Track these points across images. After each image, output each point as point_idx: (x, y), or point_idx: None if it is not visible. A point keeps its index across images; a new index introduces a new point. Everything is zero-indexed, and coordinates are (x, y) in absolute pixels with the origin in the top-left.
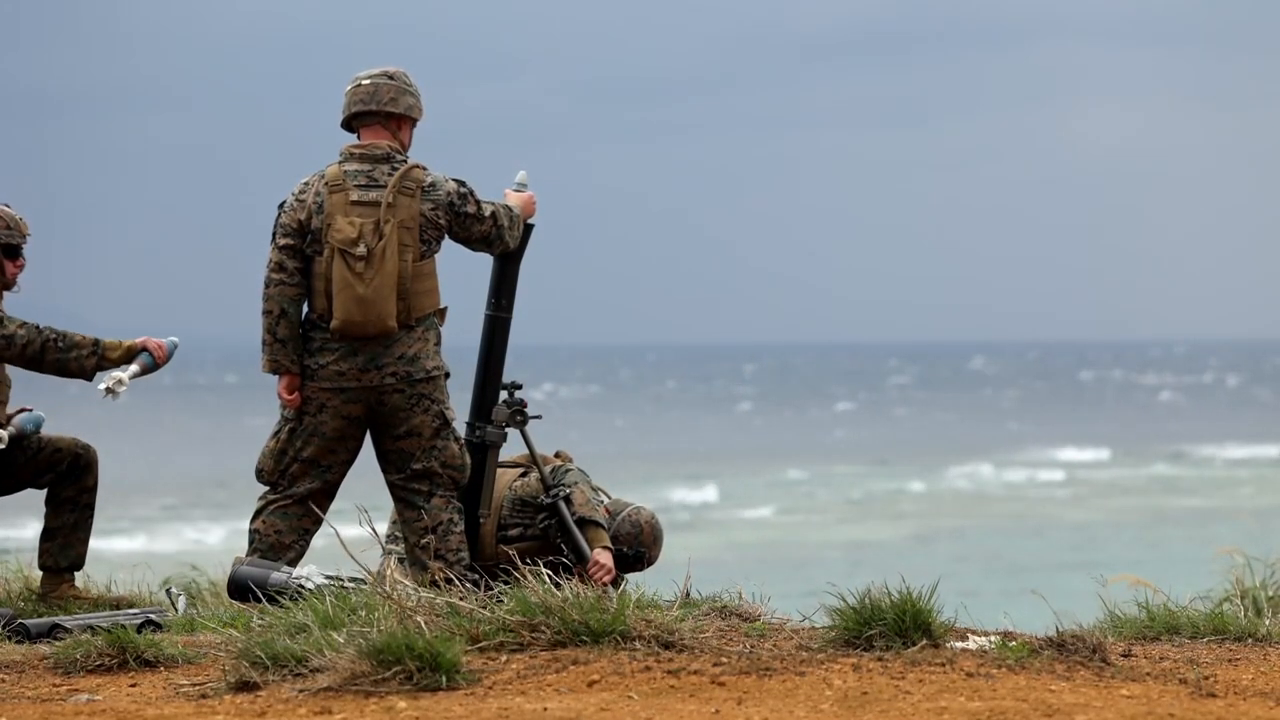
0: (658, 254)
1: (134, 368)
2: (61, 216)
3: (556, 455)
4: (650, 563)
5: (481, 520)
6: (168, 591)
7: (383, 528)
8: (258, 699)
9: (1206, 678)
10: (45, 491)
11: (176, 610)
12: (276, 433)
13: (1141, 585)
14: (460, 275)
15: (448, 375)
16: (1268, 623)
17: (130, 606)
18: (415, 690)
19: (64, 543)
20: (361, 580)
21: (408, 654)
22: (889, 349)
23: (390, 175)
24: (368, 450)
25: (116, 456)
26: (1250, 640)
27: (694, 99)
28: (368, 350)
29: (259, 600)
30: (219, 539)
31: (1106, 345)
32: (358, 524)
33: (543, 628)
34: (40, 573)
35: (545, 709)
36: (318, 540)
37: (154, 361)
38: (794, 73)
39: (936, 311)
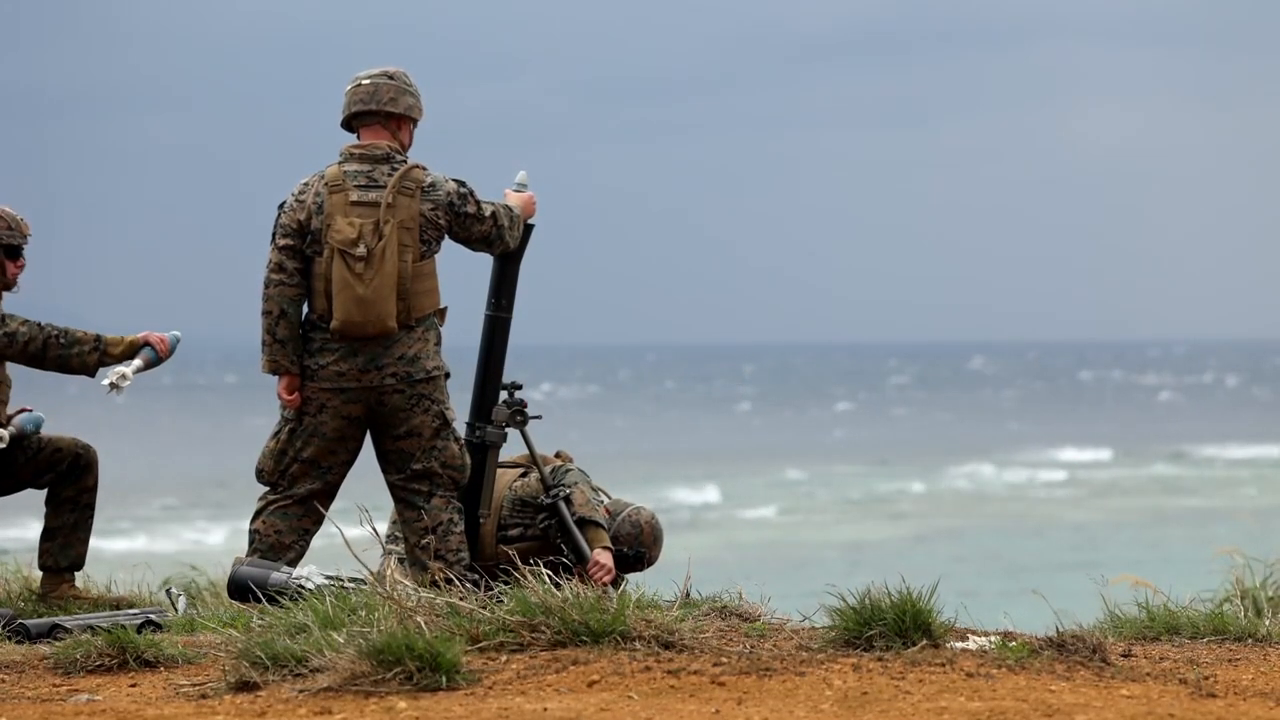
0: (658, 254)
1: (137, 362)
2: (61, 216)
3: (556, 455)
4: (650, 563)
5: (481, 520)
6: (168, 591)
7: (383, 528)
8: (258, 699)
9: (1206, 678)
10: (45, 491)
11: (176, 610)
12: (276, 433)
13: (1141, 585)
14: (460, 275)
15: (448, 375)
16: (1268, 623)
17: (130, 606)
18: (415, 690)
19: (64, 543)
20: (361, 580)
21: (408, 654)
22: (889, 349)
23: (390, 176)
24: (368, 450)
25: (116, 456)
26: (1250, 640)
27: (694, 99)
28: (368, 351)
29: (259, 600)
30: (219, 539)
31: (1106, 345)
32: (358, 524)
33: (543, 628)
34: (40, 573)
35: (545, 709)
36: (317, 540)
37: (157, 356)
38: (794, 73)
39: (936, 311)
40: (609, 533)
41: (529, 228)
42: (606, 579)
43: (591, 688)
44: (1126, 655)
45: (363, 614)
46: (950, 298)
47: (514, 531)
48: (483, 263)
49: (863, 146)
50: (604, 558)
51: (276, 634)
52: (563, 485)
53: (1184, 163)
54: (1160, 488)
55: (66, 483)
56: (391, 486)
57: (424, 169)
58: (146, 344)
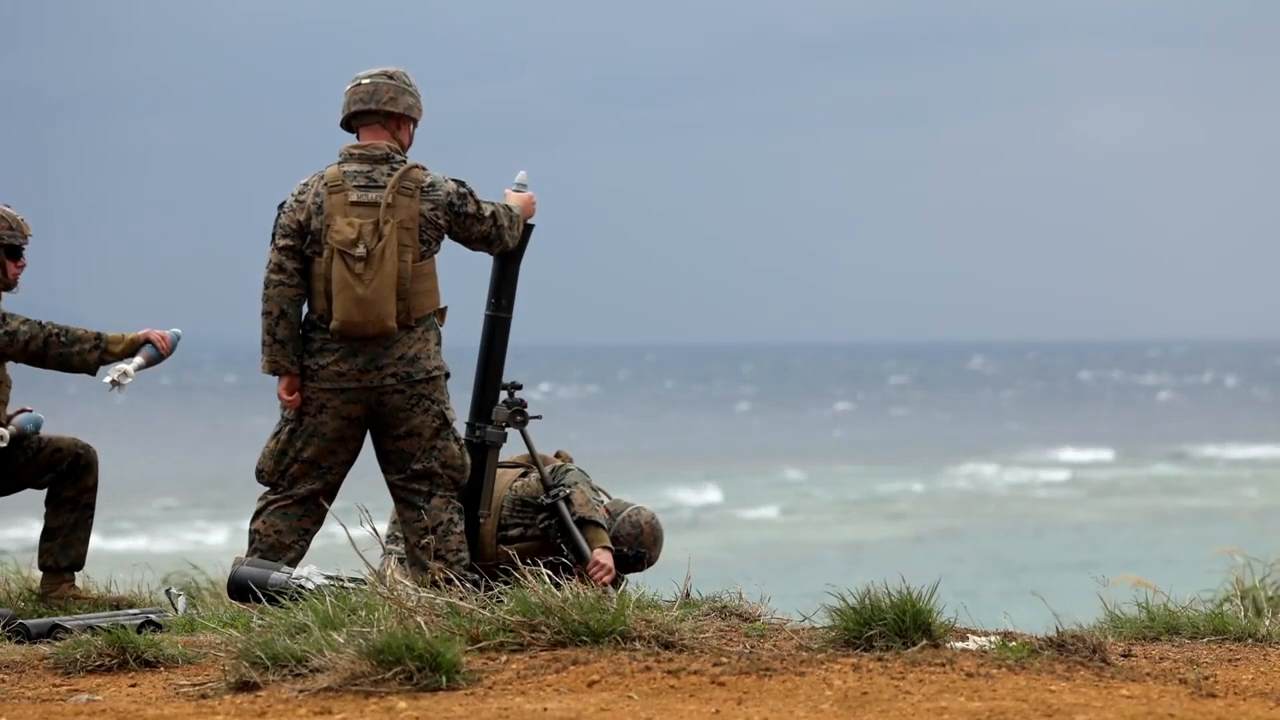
0: (658, 254)
1: (139, 360)
2: (61, 216)
3: (556, 455)
4: (650, 563)
5: (481, 520)
6: (168, 591)
7: (383, 528)
8: (258, 699)
9: (1206, 678)
10: (45, 491)
11: (176, 610)
12: (276, 433)
13: (1141, 585)
14: (460, 275)
15: (448, 375)
16: (1268, 623)
17: (130, 606)
18: (415, 690)
19: (64, 543)
20: (361, 580)
21: (408, 654)
22: (888, 349)
23: (390, 176)
24: (368, 450)
25: (116, 457)
26: (1250, 640)
27: (694, 99)
28: (368, 351)
29: (259, 600)
30: (219, 539)
31: (1106, 345)
32: (358, 524)
33: (543, 628)
34: (40, 573)
35: (545, 709)
36: (317, 540)
37: (158, 353)
38: (794, 73)
39: (936, 311)
40: (609, 533)
41: (529, 228)
42: (606, 579)
43: (591, 688)
44: (1126, 655)
45: (363, 614)
46: (950, 298)
47: (514, 531)
48: (483, 263)
49: (863, 146)
50: (604, 558)
51: (276, 634)
52: (563, 485)
53: (1184, 163)
54: (1160, 488)
55: (66, 483)
56: (391, 486)
57: (423, 169)
58: (147, 341)
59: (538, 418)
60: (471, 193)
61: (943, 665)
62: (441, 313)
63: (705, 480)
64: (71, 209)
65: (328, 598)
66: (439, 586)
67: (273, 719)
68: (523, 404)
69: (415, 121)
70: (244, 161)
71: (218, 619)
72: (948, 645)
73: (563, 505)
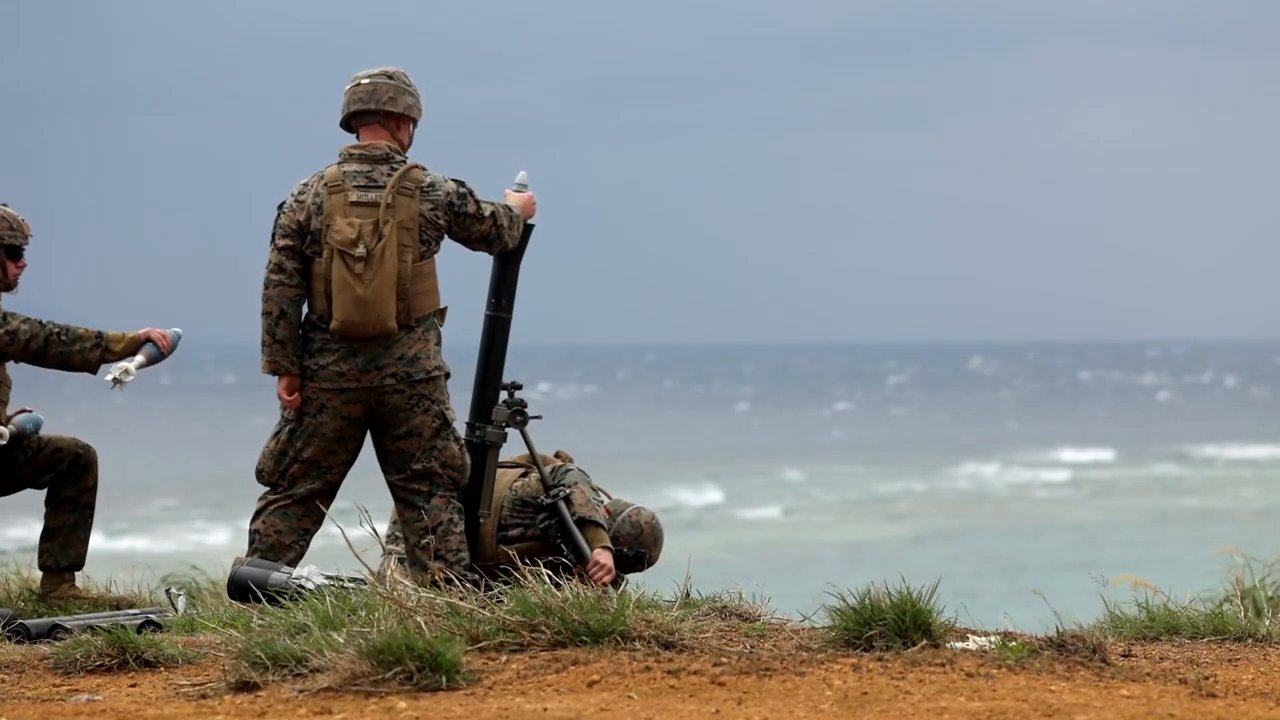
0: (658, 254)
1: (140, 358)
2: (61, 216)
3: (556, 455)
4: (650, 563)
5: (481, 520)
6: (168, 591)
7: (383, 528)
8: (258, 699)
9: (1206, 678)
10: (45, 491)
11: (176, 610)
12: (276, 433)
13: (1141, 585)
14: (460, 275)
15: (448, 375)
16: (1268, 623)
17: (130, 606)
18: (415, 690)
19: (64, 543)
20: (361, 580)
21: (408, 654)
22: (888, 349)
23: (389, 176)
24: (368, 450)
25: (116, 457)
26: (1250, 640)
27: (694, 99)
28: (367, 351)
29: (259, 600)
30: (219, 539)
31: (1106, 345)
32: (358, 524)
33: (543, 628)
34: (40, 573)
35: (545, 709)
36: (317, 540)
37: (159, 352)
38: (794, 73)
39: (935, 311)
40: (609, 533)
41: (529, 228)
42: (606, 579)
43: (591, 688)
44: (1126, 655)
45: (363, 614)
46: (950, 298)
47: (514, 531)
48: (483, 263)
49: (863, 146)
50: (604, 558)
51: (276, 634)
52: (563, 485)
53: (1184, 163)
54: (1160, 488)
55: (66, 483)
56: (392, 486)
57: (423, 169)
58: (148, 340)
59: (538, 418)
60: (471, 193)
61: (943, 665)
62: (441, 313)
63: (705, 480)
64: (71, 209)
65: (328, 598)
66: (439, 586)
67: (273, 719)
68: (523, 404)
69: (415, 121)
70: (244, 161)
71: (218, 619)
72: (948, 645)
73: (563, 505)
